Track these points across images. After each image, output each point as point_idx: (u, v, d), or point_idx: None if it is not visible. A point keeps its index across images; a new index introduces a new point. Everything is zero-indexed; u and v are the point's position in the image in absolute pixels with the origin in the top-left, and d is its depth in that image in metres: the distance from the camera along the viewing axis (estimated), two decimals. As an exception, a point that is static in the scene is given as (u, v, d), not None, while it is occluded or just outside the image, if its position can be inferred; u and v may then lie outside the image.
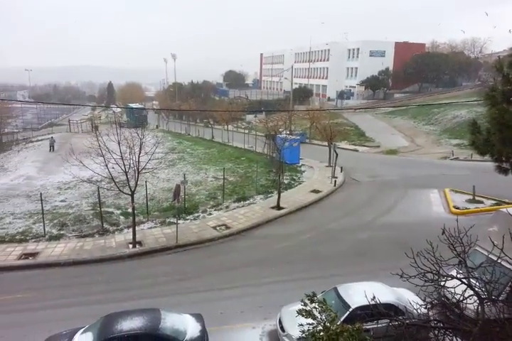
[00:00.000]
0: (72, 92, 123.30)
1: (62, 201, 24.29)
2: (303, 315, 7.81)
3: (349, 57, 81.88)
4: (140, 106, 71.82)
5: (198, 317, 11.54)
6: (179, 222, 19.66)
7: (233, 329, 12.13)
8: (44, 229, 19.36)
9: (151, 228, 20.19)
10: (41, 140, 46.06)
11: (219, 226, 20.28)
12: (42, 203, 20.45)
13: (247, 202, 23.98)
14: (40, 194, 21.75)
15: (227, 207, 23.13)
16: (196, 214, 21.86)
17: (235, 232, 19.68)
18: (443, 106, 52.30)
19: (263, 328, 12.14)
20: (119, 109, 66.36)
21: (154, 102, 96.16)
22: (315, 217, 22.10)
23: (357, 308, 10.69)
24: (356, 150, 41.00)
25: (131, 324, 10.66)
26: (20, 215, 21.86)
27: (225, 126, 49.82)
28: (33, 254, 17.36)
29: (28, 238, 18.94)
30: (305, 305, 7.97)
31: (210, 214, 22.08)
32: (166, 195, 24.75)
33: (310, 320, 7.82)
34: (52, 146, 39.73)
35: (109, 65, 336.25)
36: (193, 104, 58.65)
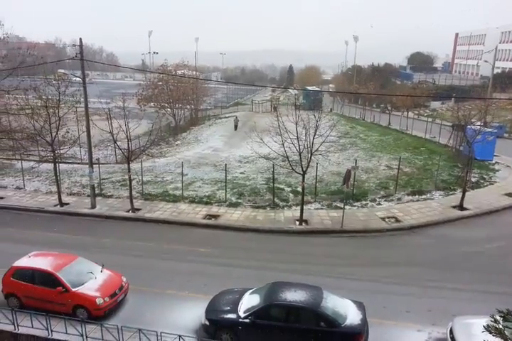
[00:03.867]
0: (256, 75, 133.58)
1: (241, 173, 26.89)
2: (491, 332, 6.78)
3: None
4: (317, 89, 73.03)
5: (360, 306, 11.35)
6: (346, 207, 19.50)
7: (397, 327, 11.56)
8: (225, 195, 21.85)
9: (317, 209, 20.63)
10: (228, 117, 51.57)
11: (388, 218, 19.34)
12: (226, 173, 22.95)
13: (423, 196, 22.10)
14: (225, 165, 24.41)
15: (399, 199, 21.80)
16: (364, 202, 21.33)
17: (405, 227, 18.49)
18: None
19: (430, 334, 11.22)
20: (296, 91, 68.95)
21: (330, 85, 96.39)
22: (509, 225, 18.97)
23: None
24: None
25: (294, 296, 11.21)
26: (208, 181, 25.12)
27: (405, 113, 46.53)
28: (215, 216, 19.84)
29: (212, 202, 21.68)
30: (495, 321, 6.88)
31: (380, 204, 21.21)
32: (334, 179, 24.82)
33: (497, 340, 6.77)
34: (236, 125, 43.94)
35: (292, 49, 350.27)
36: (372, 87, 56.38)
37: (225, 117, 52.37)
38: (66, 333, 11.04)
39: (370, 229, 18.25)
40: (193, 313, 12.36)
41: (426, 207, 20.56)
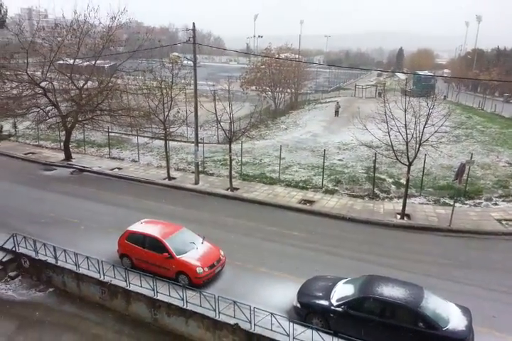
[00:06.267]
0: (361, 58, 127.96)
1: (339, 160, 26.22)
2: None
3: None
4: (429, 74, 67.42)
5: (465, 311, 10.45)
6: (456, 204, 17.85)
7: (506, 341, 10.43)
8: (322, 182, 21.55)
9: (422, 204, 19.29)
10: (328, 102, 50.43)
11: (506, 220, 17.31)
12: (324, 159, 22.54)
13: (552, 200, 19.27)
14: (324, 151, 23.99)
15: (520, 200, 19.34)
16: (478, 201, 19.35)
17: (526, 232, 16.36)
18: None
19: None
20: (405, 76, 64.48)
21: (445, 70, 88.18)
22: None
23: None
24: None
25: (391, 291, 10.73)
26: (305, 166, 24.99)
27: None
28: (310, 202, 19.73)
29: (308, 187, 21.57)
30: None
31: (496, 204, 19.07)
32: (444, 173, 22.89)
33: None
34: (337, 111, 42.72)
35: (403, 31, 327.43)
36: (495, 74, 50.22)
37: (326, 102, 51.33)
38: (169, 296, 12.06)
39: (482, 230, 16.52)
40: (283, 293, 12.60)
41: (554, 212, 17.94)
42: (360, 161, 25.69)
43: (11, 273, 14.95)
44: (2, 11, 16.38)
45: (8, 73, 24.66)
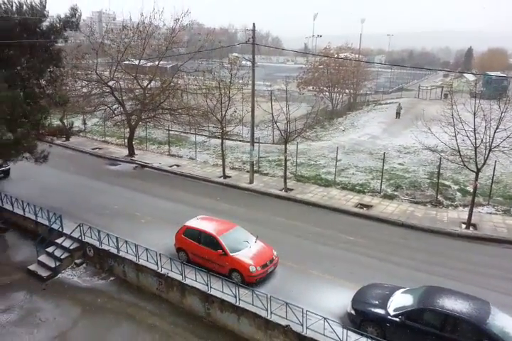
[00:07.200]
0: (426, 58, 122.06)
1: (400, 164, 25.19)
2: None
3: None
4: (502, 74, 62.80)
5: (539, 334, 9.54)
6: (529, 215, 16.48)
7: None
8: (380, 186, 20.81)
9: (490, 213, 18.01)
10: (389, 103, 48.64)
11: None
12: (383, 162, 21.77)
13: None
14: (384, 154, 23.11)
15: None
16: (556, 214, 17.69)
17: None
18: None
19: None
20: (474, 77, 60.54)
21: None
22: None
23: None
24: None
25: (454, 304, 10.12)
26: (362, 169, 24.29)
27: None
28: (367, 206, 19.12)
29: (365, 191, 20.93)
30: None
31: None
32: (516, 181, 21.21)
33: None
34: (398, 113, 41.06)
35: (473, 30, 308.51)
36: None
37: (386, 103, 49.57)
38: (222, 292, 12.25)
39: (560, 246, 15.08)
40: (335, 298, 12.33)
41: None
42: (423, 166, 24.50)
43: (77, 261, 16.01)
44: (77, 15, 17.48)
45: (80, 73, 26.33)
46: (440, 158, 19.83)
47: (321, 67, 47.44)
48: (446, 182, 21.23)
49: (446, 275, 13.37)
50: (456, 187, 20.81)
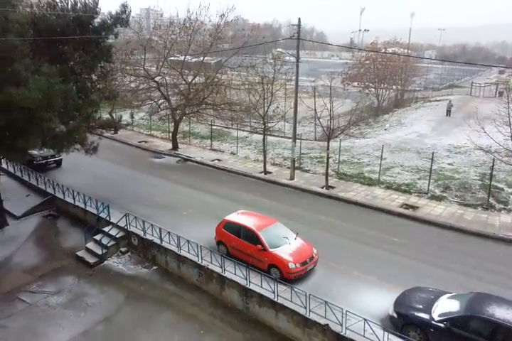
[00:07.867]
0: (480, 53, 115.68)
1: (449, 164, 24.03)
2: None
3: None
4: None
5: None
6: None
7: None
8: (428, 187, 19.95)
9: (548, 218, 16.80)
10: (439, 100, 46.56)
11: None
12: (432, 162, 20.82)
13: None
14: (432, 153, 22.10)
15: None
16: None
17: None
18: None
19: None
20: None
21: None
22: None
23: None
24: None
25: (506, 314, 9.59)
26: (408, 168, 23.42)
27: None
28: (413, 207, 18.40)
29: (411, 191, 20.15)
30: None
31: None
32: None
33: None
34: (449, 111, 39.22)
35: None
36: None
37: (436, 100, 47.48)
38: (261, 287, 12.26)
39: None
40: (376, 300, 12.00)
41: None
42: (474, 167, 23.26)
43: (122, 249, 16.62)
44: (127, 11, 18.01)
45: (128, 68, 27.19)
46: (493, 159, 18.75)
47: (368, 62, 46.16)
48: (500, 185, 20.02)
49: (495, 282, 12.65)
50: (510, 190, 19.58)
